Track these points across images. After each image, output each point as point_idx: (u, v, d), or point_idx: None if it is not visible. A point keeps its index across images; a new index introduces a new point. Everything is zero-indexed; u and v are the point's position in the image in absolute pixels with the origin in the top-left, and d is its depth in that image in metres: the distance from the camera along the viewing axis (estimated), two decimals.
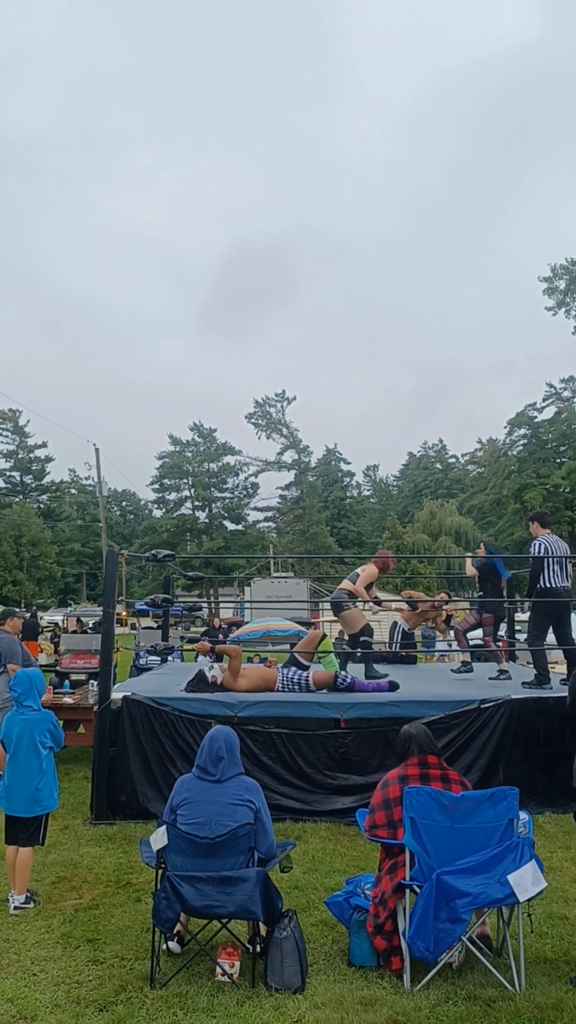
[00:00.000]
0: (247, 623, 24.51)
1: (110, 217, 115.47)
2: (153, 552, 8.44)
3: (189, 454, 61.90)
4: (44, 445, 64.41)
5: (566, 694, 5.09)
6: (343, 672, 7.48)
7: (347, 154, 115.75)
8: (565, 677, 7.83)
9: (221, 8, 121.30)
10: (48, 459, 65.05)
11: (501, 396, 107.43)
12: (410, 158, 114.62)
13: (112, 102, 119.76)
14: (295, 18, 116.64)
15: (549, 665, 7.77)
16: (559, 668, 9.63)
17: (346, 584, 8.39)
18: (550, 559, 7.50)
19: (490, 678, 8.39)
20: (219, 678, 7.10)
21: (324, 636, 8.09)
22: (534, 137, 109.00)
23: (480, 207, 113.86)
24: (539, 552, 7.58)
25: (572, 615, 7.79)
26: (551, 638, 7.89)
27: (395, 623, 10.88)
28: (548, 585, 7.50)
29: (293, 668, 7.45)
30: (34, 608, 37.59)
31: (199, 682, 7.13)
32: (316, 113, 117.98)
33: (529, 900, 3.83)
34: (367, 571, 8.34)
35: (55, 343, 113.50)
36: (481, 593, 8.91)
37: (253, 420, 63.95)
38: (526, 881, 3.76)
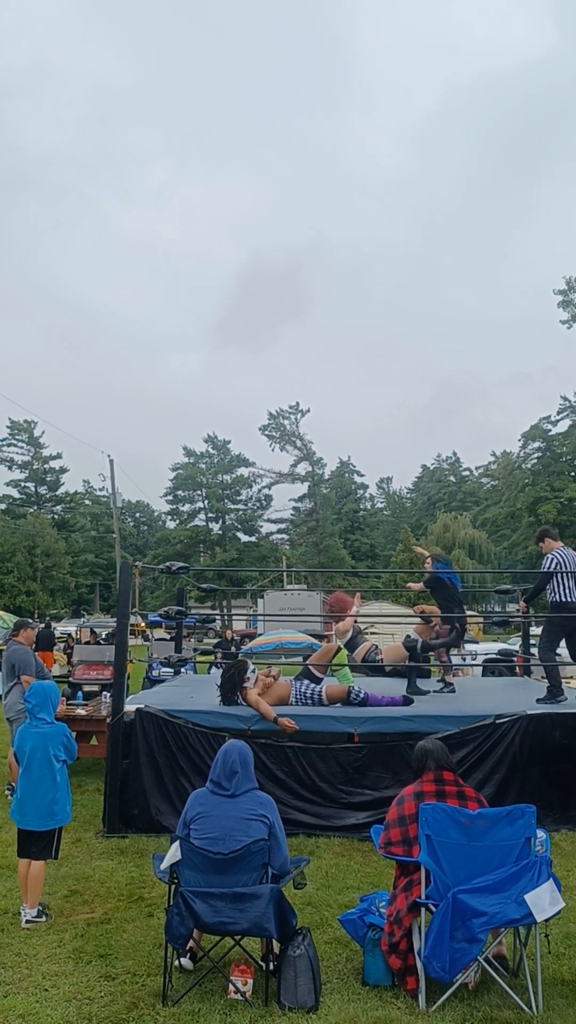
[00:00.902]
0: (260, 635, 24.48)
1: (127, 232, 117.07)
2: (168, 564, 8.40)
3: (203, 466, 61.99)
4: (59, 456, 64.88)
5: None
6: (356, 686, 7.42)
7: (360, 168, 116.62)
8: None
9: (235, 26, 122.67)
10: (63, 470, 65.49)
11: (516, 409, 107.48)
12: (423, 172, 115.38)
13: (129, 119, 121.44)
14: (307, 36, 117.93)
15: (563, 680, 7.68)
16: (573, 684, 9.54)
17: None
18: (563, 573, 7.41)
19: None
20: (252, 680, 7.01)
21: (339, 649, 7.99)
22: (545, 149, 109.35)
23: (493, 219, 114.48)
24: (551, 566, 7.51)
25: None
26: (565, 654, 7.81)
27: (408, 637, 10.80)
28: (562, 600, 7.40)
29: (306, 682, 7.40)
30: (48, 619, 37.67)
31: (234, 685, 7.03)
32: (329, 129, 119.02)
33: (546, 920, 3.78)
34: (339, 627, 8.80)
35: (71, 356, 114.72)
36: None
37: (267, 432, 64.07)
38: (543, 901, 3.72)
